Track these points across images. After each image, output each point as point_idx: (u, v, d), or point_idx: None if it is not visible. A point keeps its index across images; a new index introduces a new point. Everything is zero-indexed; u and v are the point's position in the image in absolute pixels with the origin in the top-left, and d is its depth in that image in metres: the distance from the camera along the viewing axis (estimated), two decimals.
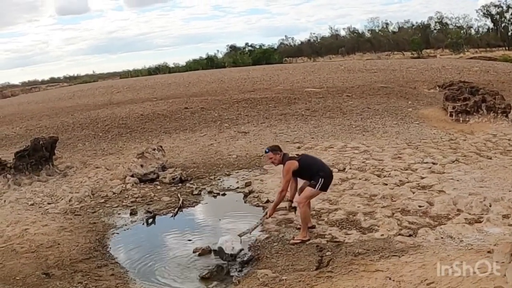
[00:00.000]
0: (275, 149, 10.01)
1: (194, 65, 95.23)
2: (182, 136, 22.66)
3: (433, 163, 15.74)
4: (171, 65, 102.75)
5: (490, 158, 16.21)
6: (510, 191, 12.62)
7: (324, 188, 9.93)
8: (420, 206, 11.80)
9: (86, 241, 10.69)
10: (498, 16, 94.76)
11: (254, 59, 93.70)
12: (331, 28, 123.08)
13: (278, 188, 10.82)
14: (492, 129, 20.86)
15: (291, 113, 25.78)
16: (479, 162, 15.74)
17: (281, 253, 9.25)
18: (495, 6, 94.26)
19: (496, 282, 6.27)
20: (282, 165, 9.79)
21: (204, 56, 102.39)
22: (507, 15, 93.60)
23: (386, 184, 13.78)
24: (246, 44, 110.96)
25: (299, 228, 10.18)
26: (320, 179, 9.72)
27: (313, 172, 9.81)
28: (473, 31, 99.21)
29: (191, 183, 15.01)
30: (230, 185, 14.72)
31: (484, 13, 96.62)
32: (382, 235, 9.97)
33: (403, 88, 32.45)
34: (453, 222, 10.65)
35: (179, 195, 13.80)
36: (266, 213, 10.36)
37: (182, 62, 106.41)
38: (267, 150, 9.79)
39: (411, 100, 28.33)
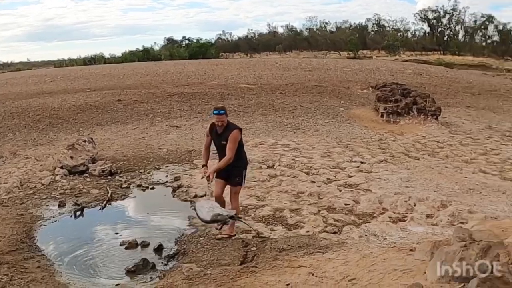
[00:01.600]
0: (226, 110, 9.81)
1: (130, 57, 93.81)
2: (113, 129, 22.50)
3: (362, 162, 16.34)
4: (107, 56, 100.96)
5: (418, 159, 17.00)
6: (435, 191, 13.30)
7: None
8: (346, 204, 12.26)
9: (13, 233, 10.52)
10: (435, 20, 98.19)
11: (190, 53, 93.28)
12: (269, 25, 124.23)
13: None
14: (421, 130, 21.83)
15: None
16: (406, 162, 16.49)
17: (206, 248, 9.42)
18: (433, 11, 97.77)
19: (416, 278, 6.53)
20: (223, 130, 9.46)
21: (141, 48, 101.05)
22: (444, 20, 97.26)
23: (314, 182, 14.20)
24: (184, 37, 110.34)
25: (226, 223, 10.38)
26: (244, 172, 9.94)
27: (241, 156, 9.81)
28: (409, 34, 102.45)
29: (120, 176, 15.04)
30: (160, 179, 14.86)
31: (421, 17, 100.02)
32: (307, 231, 10.32)
33: (336, 88, 33.18)
34: (378, 220, 11.18)
35: (108, 188, 13.80)
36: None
37: (118, 53, 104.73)
38: (222, 111, 9.46)
39: (343, 100, 29.09)
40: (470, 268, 5.73)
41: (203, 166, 9.73)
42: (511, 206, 12.49)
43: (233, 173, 9.67)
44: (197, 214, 9.58)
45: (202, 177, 9.69)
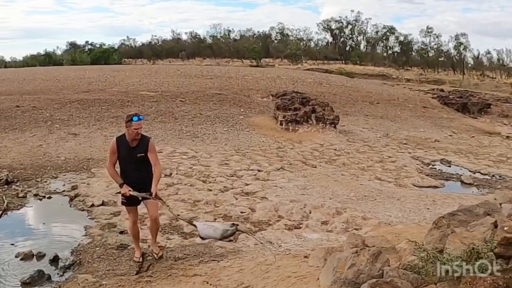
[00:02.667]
0: None
1: (31, 61, 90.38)
2: (11, 136, 21.56)
3: (259, 170, 16.53)
4: (8, 60, 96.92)
5: (315, 167, 17.38)
6: (330, 198, 13.64)
7: None
8: (242, 212, 12.36)
9: None
10: (338, 31, 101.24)
11: (93, 58, 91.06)
12: (173, 31, 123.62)
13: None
14: (320, 138, 22.37)
15: (123, 116, 25.22)
16: (303, 170, 16.81)
17: (102, 258, 9.32)
18: (336, 21, 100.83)
19: (309, 285, 6.72)
20: (138, 141, 8.36)
21: (43, 52, 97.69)
22: (346, 31, 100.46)
23: (211, 190, 14.23)
24: (87, 42, 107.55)
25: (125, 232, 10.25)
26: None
27: (148, 167, 8.76)
28: (312, 44, 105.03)
29: (17, 185, 14.51)
30: (57, 188, 14.53)
31: (324, 27, 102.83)
32: (203, 240, 10.29)
33: (237, 96, 33.40)
34: (274, 228, 11.36)
35: (4, 197, 13.27)
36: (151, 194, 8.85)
37: (20, 56, 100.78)
38: (142, 116, 8.39)
39: (243, 108, 29.32)
40: (361, 273, 5.87)
41: (122, 185, 8.33)
42: (405, 212, 12.98)
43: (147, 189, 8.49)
44: (204, 235, 10.01)
45: (128, 196, 8.41)
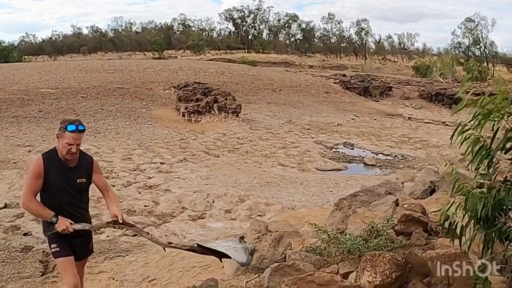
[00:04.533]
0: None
1: None
2: None
3: (162, 163, 16.50)
4: None
5: (218, 156, 17.47)
6: (233, 187, 13.77)
7: None
8: (146, 206, 12.32)
9: None
10: (239, 20, 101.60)
11: None
12: (74, 26, 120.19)
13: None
14: (222, 128, 22.50)
15: (23, 115, 24.72)
16: (206, 160, 16.88)
17: (7, 262, 9.07)
18: (238, 10, 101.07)
19: (214, 274, 6.74)
20: (78, 160, 5.49)
21: None
22: (249, 20, 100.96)
23: (114, 186, 14.01)
24: None
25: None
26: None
27: (87, 201, 6.04)
28: (215, 34, 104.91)
29: None
30: None
31: (226, 17, 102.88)
32: (108, 236, 10.31)
33: (138, 89, 33.02)
34: (178, 219, 11.48)
35: None
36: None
37: None
38: (82, 126, 5.39)
39: (145, 101, 29.02)
40: (264, 258, 5.94)
41: (55, 218, 5.21)
42: (308, 196, 13.28)
43: (90, 237, 5.82)
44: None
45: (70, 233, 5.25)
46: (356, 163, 18.92)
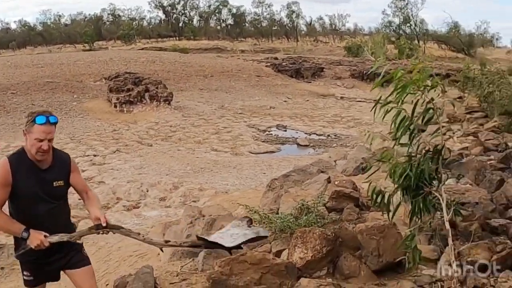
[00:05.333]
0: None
1: None
2: None
3: (95, 155, 16.42)
4: None
5: (151, 145, 17.45)
6: (167, 175, 13.81)
7: None
8: (79, 199, 12.04)
9: None
10: (170, 7, 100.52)
11: None
12: (1, 21, 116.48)
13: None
14: (155, 117, 22.44)
15: None
16: (139, 150, 16.85)
17: None
18: None
19: (150, 261, 6.70)
20: (52, 160, 4.34)
21: None
22: (179, 7, 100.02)
23: None
24: None
25: None
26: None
27: (67, 207, 4.97)
28: (145, 23, 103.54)
29: None
30: None
31: (156, 5, 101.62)
32: None
33: (69, 82, 32.49)
34: (113, 210, 11.53)
35: None
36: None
37: None
38: (53, 118, 4.18)
39: (76, 94, 28.62)
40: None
41: (25, 232, 4.15)
42: (241, 179, 13.44)
43: (71, 245, 4.47)
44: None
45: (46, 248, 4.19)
46: (289, 144, 19.17)
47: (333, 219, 5.60)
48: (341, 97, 32.69)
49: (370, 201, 5.27)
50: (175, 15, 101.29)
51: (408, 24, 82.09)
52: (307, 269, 4.56)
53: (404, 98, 3.84)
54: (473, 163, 8.16)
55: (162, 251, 5.47)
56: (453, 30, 79.74)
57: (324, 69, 41.47)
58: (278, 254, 5.20)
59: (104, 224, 4.24)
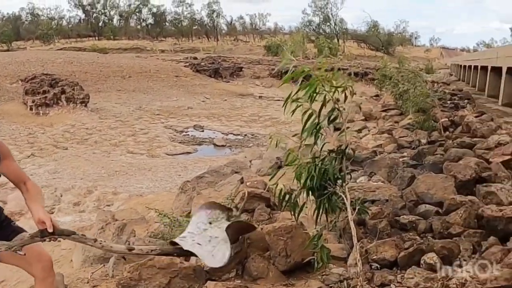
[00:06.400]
0: None
1: None
2: None
3: None
4: None
5: (66, 149, 17.08)
6: (81, 179, 13.55)
7: None
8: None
9: None
10: (89, 7, 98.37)
11: None
12: None
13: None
14: (71, 119, 21.96)
15: None
16: (54, 154, 16.45)
17: None
18: None
19: (63, 268, 6.44)
20: None
21: None
22: (99, 6, 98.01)
23: None
24: None
25: None
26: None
27: None
28: (65, 22, 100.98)
29: None
30: None
31: (75, 4, 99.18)
32: None
33: None
34: (26, 217, 11.17)
35: None
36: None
37: None
38: None
39: None
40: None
41: None
42: (156, 182, 13.33)
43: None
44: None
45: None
46: (206, 145, 19.18)
47: (249, 221, 5.51)
48: (260, 96, 32.92)
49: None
50: (95, 15, 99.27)
51: (328, 24, 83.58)
52: (215, 272, 4.43)
53: (314, 97, 3.80)
54: (385, 160, 8.35)
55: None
56: (372, 29, 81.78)
57: (243, 69, 41.63)
58: (187, 257, 4.82)
59: (50, 230, 3.23)
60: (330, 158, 4.14)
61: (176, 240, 4.50)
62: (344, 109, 3.99)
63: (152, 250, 4.34)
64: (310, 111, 3.89)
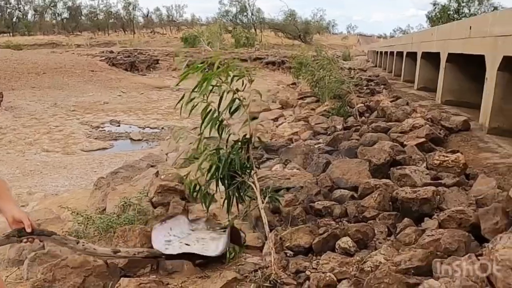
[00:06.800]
0: None
1: None
2: None
3: None
4: None
5: None
6: None
7: None
8: None
9: None
10: (3, 2, 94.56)
11: None
12: None
13: None
14: None
15: None
16: None
17: None
18: None
19: None
20: None
21: None
22: (12, 1, 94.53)
23: None
24: None
25: None
26: None
27: None
28: None
29: None
30: None
31: None
32: None
33: None
34: None
35: None
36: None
37: None
38: None
39: None
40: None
41: None
42: (72, 179, 13.14)
43: None
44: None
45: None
46: (122, 139, 19.00)
47: (156, 215, 5.58)
48: (177, 89, 32.81)
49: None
50: (8, 10, 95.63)
51: (245, 13, 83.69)
52: (129, 268, 4.39)
53: (210, 90, 3.91)
54: (301, 147, 8.38)
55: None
56: (290, 18, 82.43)
57: (159, 61, 41.34)
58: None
59: (29, 230, 2.91)
60: (235, 148, 4.21)
61: (160, 248, 4.35)
62: (244, 98, 4.09)
63: (138, 253, 4.31)
64: (207, 106, 3.99)
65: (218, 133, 4.17)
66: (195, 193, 4.50)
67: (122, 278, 4.07)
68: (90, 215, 5.80)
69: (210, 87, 3.98)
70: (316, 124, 11.90)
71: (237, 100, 4.08)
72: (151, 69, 39.70)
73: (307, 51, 22.29)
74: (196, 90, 4.02)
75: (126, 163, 12.35)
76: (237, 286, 4.06)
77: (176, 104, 3.95)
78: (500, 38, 10.12)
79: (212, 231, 4.71)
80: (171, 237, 4.57)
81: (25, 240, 2.92)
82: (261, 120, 16.42)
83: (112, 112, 23.86)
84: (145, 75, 37.74)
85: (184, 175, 4.62)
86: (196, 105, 3.98)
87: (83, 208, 7.36)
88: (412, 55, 20.91)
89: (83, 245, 3.75)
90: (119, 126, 21.53)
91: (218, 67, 3.97)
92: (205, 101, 4.01)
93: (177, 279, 4.36)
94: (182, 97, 3.93)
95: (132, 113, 23.85)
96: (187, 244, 4.47)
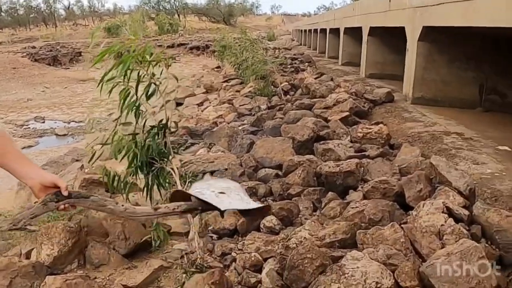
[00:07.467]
0: None
1: None
2: None
3: None
4: None
5: None
6: None
7: None
8: None
9: None
10: None
11: None
12: None
13: None
14: None
15: None
16: None
17: None
18: None
19: None
20: None
21: None
22: None
23: None
24: None
25: None
26: None
27: None
28: None
29: None
30: None
31: None
32: None
33: None
34: None
35: None
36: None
37: None
38: None
39: None
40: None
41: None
42: None
43: None
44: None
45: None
46: (48, 136, 18.53)
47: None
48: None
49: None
50: None
51: (167, 0, 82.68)
52: (56, 266, 4.39)
53: (129, 75, 3.81)
54: (225, 130, 8.36)
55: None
56: (213, 2, 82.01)
57: (82, 53, 40.44)
58: (28, 254, 4.87)
59: (65, 193, 2.38)
60: (151, 134, 4.14)
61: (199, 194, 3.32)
62: (160, 83, 4.02)
63: (178, 207, 3.41)
64: (126, 89, 3.90)
65: (135, 118, 4.09)
66: (115, 183, 4.38)
67: (47, 277, 3.97)
68: (15, 215, 5.67)
69: (127, 71, 3.88)
70: (240, 105, 11.94)
71: (153, 84, 4.01)
72: (74, 62, 38.81)
73: (230, 34, 22.26)
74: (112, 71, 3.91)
75: (51, 159, 12.10)
76: (164, 273, 4.11)
77: (98, 85, 3.83)
78: (419, 9, 10.41)
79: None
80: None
81: (62, 206, 2.37)
82: (186, 105, 16.34)
83: (36, 109, 23.20)
84: (68, 68, 36.83)
85: (92, 163, 4.54)
86: (116, 85, 3.89)
87: (9, 208, 7.21)
88: (335, 32, 21.24)
89: (123, 205, 3.42)
90: (44, 122, 20.96)
91: (134, 51, 3.89)
92: (124, 84, 3.93)
93: (104, 272, 4.36)
94: (102, 80, 3.83)
95: (57, 108, 23.27)
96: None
